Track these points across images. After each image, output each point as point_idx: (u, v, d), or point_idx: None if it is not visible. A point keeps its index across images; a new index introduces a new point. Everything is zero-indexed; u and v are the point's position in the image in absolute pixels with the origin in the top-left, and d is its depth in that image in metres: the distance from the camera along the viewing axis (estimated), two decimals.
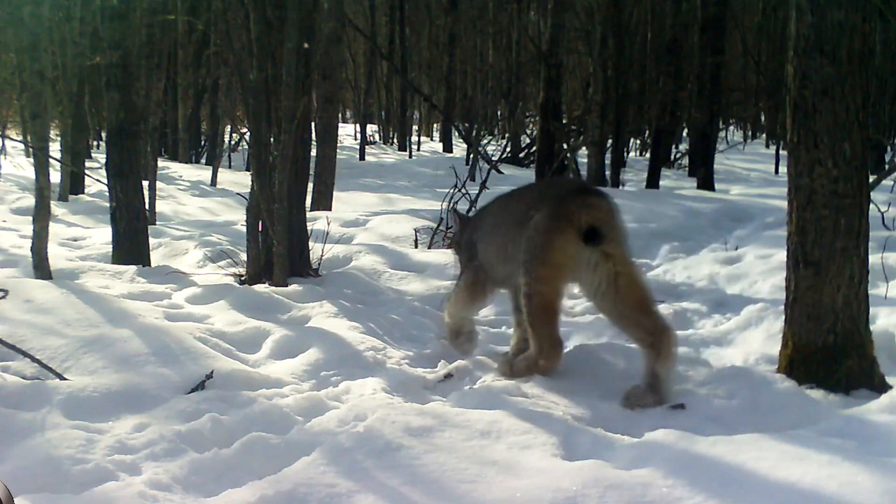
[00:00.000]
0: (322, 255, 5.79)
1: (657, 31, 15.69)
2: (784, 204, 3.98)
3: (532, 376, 3.65)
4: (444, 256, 6.39)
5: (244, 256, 5.66)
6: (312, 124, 6.08)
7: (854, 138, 3.65)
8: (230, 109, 16.06)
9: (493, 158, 15.27)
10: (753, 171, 17.01)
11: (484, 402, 3.29)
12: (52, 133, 10.56)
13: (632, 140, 19.88)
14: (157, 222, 8.89)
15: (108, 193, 6.16)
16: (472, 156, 14.96)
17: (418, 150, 22.60)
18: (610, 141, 14.14)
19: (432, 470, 2.65)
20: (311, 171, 5.76)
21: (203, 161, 18.56)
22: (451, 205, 4.73)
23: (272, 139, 5.46)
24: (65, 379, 3.38)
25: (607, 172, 13.87)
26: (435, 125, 27.90)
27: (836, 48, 3.61)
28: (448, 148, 22.03)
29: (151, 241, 6.50)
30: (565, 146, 9.76)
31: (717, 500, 2.43)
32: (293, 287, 5.13)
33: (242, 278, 5.48)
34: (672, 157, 18.25)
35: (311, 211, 7.56)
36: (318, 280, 5.51)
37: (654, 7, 15.70)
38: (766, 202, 10.93)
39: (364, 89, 24.40)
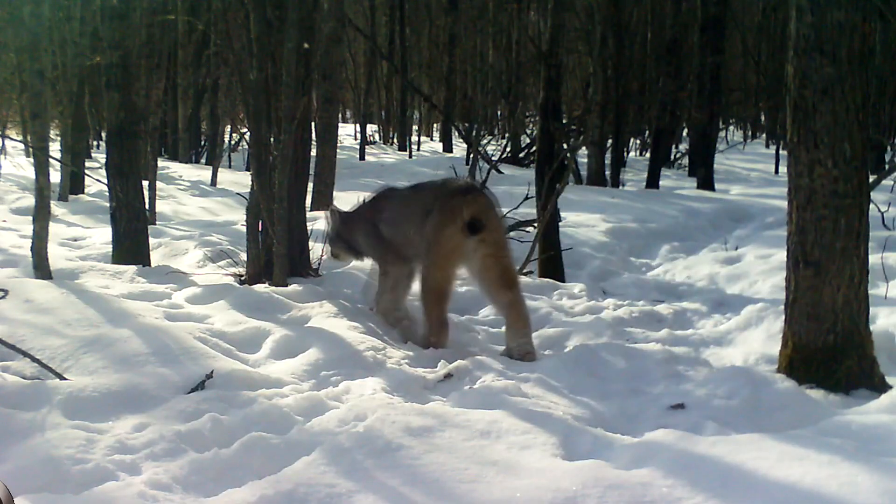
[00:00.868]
0: (322, 255, 5.79)
1: (657, 31, 15.70)
2: (784, 204, 3.98)
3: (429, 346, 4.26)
4: None
5: (244, 256, 5.66)
6: (312, 124, 6.08)
7: (854, 138, 3.65)
8: (230, 109, 16.05)
9: (493, 158, 15.26)
10: (753, 171, 17.01)
11: (484, 402, 3.29)
12: (52, 133, 10.56)
13: (632, 140, 19.87)
14: (157, 222, 8.89)
15: (108, 193, 6.16)
16: (472, 156, 14.95)
17: (418, 149, 22.59)
18: (610, 141, 14.16)
19: (432, 470, 2.65)
20: (311, 171, 5.75)
21: (203, 161, 18.55)
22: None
23: (272, 139, 5.45)
24: (65, 379, 3.38)
25: (607, 172, 13.88)
26: (435, 125, 27.89)
27: (836, 48, 3.61)
28: (448, 148, 22.02)
29: (151, 241, 6.50)
30: (565, 146, 9.69)
31: (717, 500, 2.43)
32: (293, 287, 5.13)
33: (242, 278, 5.48)
34: (672, 157, 18.25)
35: (311, 211, 7.56)
36: (318, 280, 5.51)
37: (654, 7, 15.71)
38: (766, 202, 10.94)
39: (364, 89, 24.39)
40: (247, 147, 12.53)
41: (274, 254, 5.27)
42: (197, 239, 7.16)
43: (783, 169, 6.79)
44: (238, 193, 8.93)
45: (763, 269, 6.44)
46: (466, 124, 19.87)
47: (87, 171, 11.03)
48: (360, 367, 3.85)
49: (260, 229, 5.42)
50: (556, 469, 2.64)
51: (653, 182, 13.51)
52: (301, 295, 4.98)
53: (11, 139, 15.83)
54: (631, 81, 15.01)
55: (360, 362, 3.92)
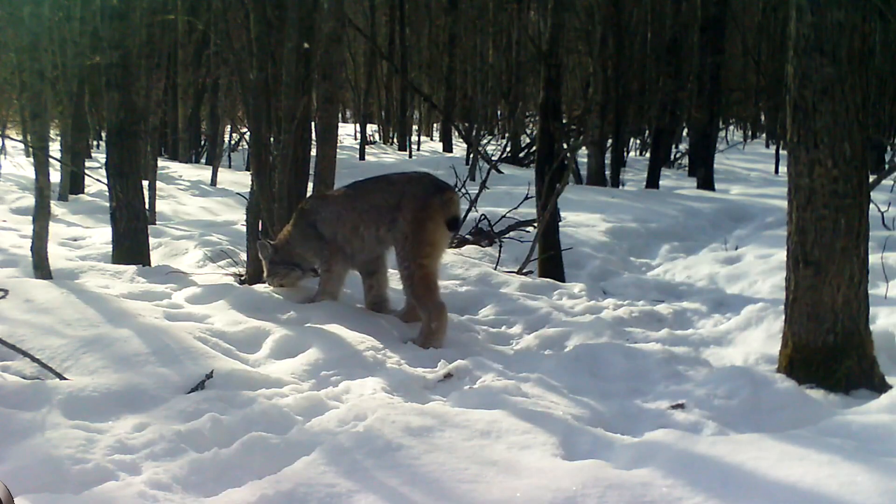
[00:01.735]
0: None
1: (657, 31, 15.69)
2: (784, 204, 3.98)
3: (438, 337, 4.41)
4: (445, 256, 6.39)
5: (244, 256, 5.67)
6: (312, 124, 6.07)
7: (854, 138, 3.65)
8: (230, 109, 16.05)
9: (493, 158, 15.26)
10: (753, 171, 17.00)
11: (484, 402, 3.29)
12: (52, 133, 10.56)
13: (632, 140, 19.87)
14: (157, 222, 8.89)
15: (108, 193, 6.16)
16: (472, 156, 14.96)
17: (418, 149, 22.58)
18: (610, 141, 14.15)
19: (432, 470, 2.65)
20: (311, 171, 5.75)
21: (203, 161, 18.54)
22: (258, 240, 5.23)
23: (272, 139, 5.45)
24: (65, 379, 3.38)
25: (607, 172, 13.88)
26: (435, 125, 27.88)
27: (836, 48, 3.61)
28: (448, 148, 22.01)
29: (151, 240, 6.50)
30: (565, 146, 9.70)
31: (717, 500, 2.43)
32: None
33: (242, 278, 5.48)
34: (672, 157, 18.24)
35: None
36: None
37: (654, 7, 15.70)
38: (766, 202, 10.94)
39: (364, 89, 24.37)
40: (247, 147, 12.53)
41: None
42: (197, 239, 7.17)
43: (783, 169, 6.79)
44: (238, 193, 8.95)
45: (763, 269, 6.44)
46: (466, 124, 19.86)
47: (87, 171, 11.02)
48: (360, 367, 3.85)
49: (260, 229, 5.42)
50: (556, 469, 2.64)
51: (653, 182, 13.51)
52: (310, 296, 4.98)
53: (11, 139, 15.82)
54: (631, 81, 15.01)
55: (360, 362, 3.92)
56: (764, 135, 26.43)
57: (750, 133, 27.87)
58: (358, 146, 20.85)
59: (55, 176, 9.93)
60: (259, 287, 5.09)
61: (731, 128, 27.36)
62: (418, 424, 2.93)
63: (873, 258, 4.01)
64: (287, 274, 5.01)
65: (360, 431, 2.87)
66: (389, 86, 25.97)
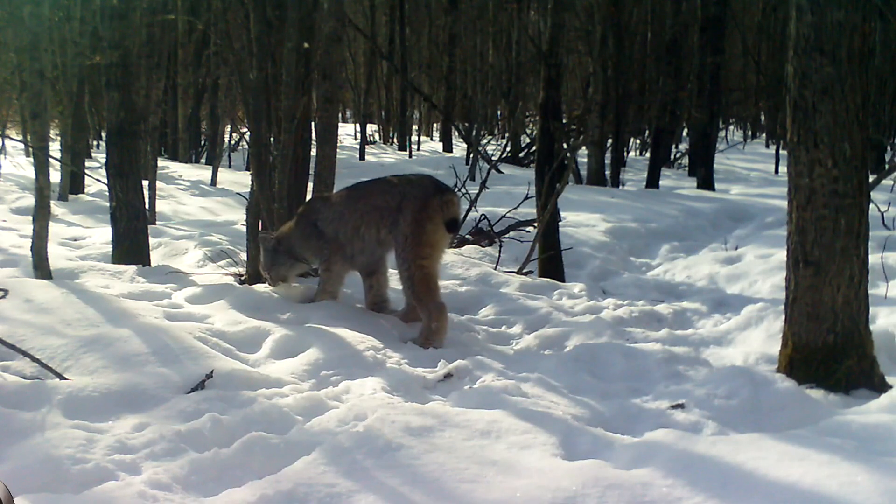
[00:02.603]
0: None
1: (657, 31, 15.70)
2: (784, 204, 3.98)
3: (438, 337, 4.43)
4: (445, 256, 6.39)
5: (244, 256, 5.67)
6: (312, 124, 6.08)
7: (854, 138, 3.65)
8: (230, 109, 16.04)
9: (493, 158, 15.26)
10: (753, 171, 17.01)
11: (484, 402, 3.29)
12: (52, 133, 10.55)
13: (632, 140, 19.87)
14: (157, 222, 8.89)
15: (108, 193, 6.16)
16: (472, 155, 14.96)
17: (418, 149, 22.58)
18: (610, 141, 14.16)
19: (432, 470, 2.65)
20: (311, 171, 5.75)
21: (203, 161, 18.54)
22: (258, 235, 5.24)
23: (272, 139, 5.45)
24: (65, 379, 3.38)
25: (607, 172, 13.88)
26: (435, 125, 27.88)
27: (836, 48, 3.61)
28: (448, 148, 22.01)
29: (151, 240, 6.50)
30: (565, 146, 9.70)
31: (717, 500, 2.43)
32: (293, 286, 5.13)
33: (242, 278, 5.48)
34: (672, 156, 18.24)
35: None
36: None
37: (654, 7, 15.70)
38: (766, 202, 10.94)
39: (364, 89, 24.38)
40: (247, 147, 12.53)
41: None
42: (197, 239, 7.16)
43: (783, 169, 6.80)
44: (238, 193, 8.94)
45: (763, 269, 6.44)
46: (466, 124, 19.86)
47: (87, 171, 11.02)
48: (360, 367, 3.85)
49: (260, 229, 5.42)
50: (556, 469, 2.64)
51: (653, 182, 13.51)
52: (309, 295, 4.98)
53: (11, 139, 15.82)
54: (631, 81, 15.00)
55: (360, 362, 3.92)
56: (764, 135, 26.43)
57: (750, 133, 27.87)
58: (358, 146, 20.85)
59: (55, 176, 9.92)
60: (259, 287, 5.09)
61: (731, 128, 27.35)
62: (418, 424, 2.93)
63: (873, 258, 4.01)
64: (290, 266, 5.02)
65: (360, 431, 2.87)
66: (389, 86, 25.98)
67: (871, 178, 4.36)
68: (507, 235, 7.62)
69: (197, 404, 3.21)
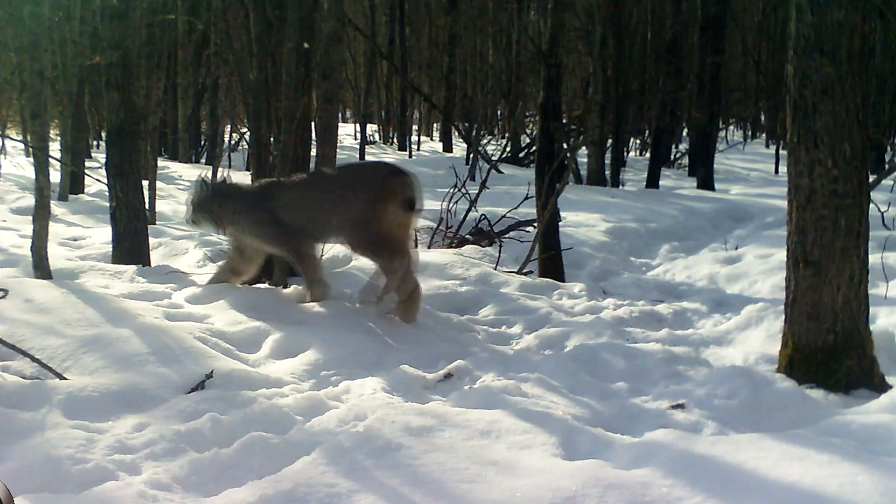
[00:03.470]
0: (321, 255, 5.79)
1: (657, 30, 15.70)
2: (784, 204, 3.98)
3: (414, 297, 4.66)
4: (445, 256, 6.39)
5: None
6: (312, 124, 6.07)
7: (854, 138, 3.65)
8: (230, 109, 16.04)
9: (493, 158, 15.26)
10: (753, 171, 17.00)
11: (484, 402, 3.29)
12: (52, 133, 10.55)
13: (632, 140, 19.86)
14: (157, 222, 8.88)
15: (108, 193, 6.15)
16: (472, 155, 14.95)
17: (418, 149, 22.56)
18: (610, 141, 14.15)
19: (432, 470, 2.65)
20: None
21: (203, 161, 18.53)
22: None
23: (272, 139, 5.45)
24: (65, 379, 3.38)
25: (607, 172, 13.88)
26: (435, 125, 27.87)
27: (836, 48, 3.61)
28: (448, 148, 22.00)
29: (151, 240, 6.49)
30: (565, 146, 9.71)
31: (717, 500, 2.43)
32: (293, 287, 5.13)
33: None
34: (672, 157, 18.24)
35: None
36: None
37: (654, 7, 15.70)
38: (766, 202, 10.94)
39: (364, 89, 24.36)
40: (247, 147, 12.52)
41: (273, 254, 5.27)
42: (197, 239, 7.16)
43: (783, 169, 6.79)
44: None
45: (763, 269, 6.44)
46: (466, 124, 19.86)
47: (87, 171, 11.01)
48: (360, 367, 3.85)
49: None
50: (556, 469, 2.64)
51: (653, 182, 13.51)
52: (301, 294, 4.98)
53: (11, 139, 15.81)
54: (631, 81, 15.01)
55: (360, 362, 3.92)
56: (764, 135, 26.41)
57: (750, 133, 27.85)
58: (358, 146, 20.84)
59: (55, 176, 9.91)
60: (259, 287, 5.09)
61: (731, 128, 27.34)
62: (418, 424, 2.93)
63: (873, 258, 4.01)
64: (209, 221, 5.02)
65: (360, 431, 2.87)
66: (389, 86, 25.96)
67: (871, 178, 4.36)
68: (507, 235, 7.62)
69: (197, 404, 3.21)
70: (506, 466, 2.67)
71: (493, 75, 20.35)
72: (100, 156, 13.93)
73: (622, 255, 7.88)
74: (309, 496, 2.49)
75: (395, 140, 24.79)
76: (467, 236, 7.50)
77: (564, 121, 12.61)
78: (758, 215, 10.15)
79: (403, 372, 3.84)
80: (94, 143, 17.69)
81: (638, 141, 21.14)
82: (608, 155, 14.11)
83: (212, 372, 3.50)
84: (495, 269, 6.31)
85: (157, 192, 9.79)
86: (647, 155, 16.25)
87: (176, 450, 2.85)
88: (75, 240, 7.91)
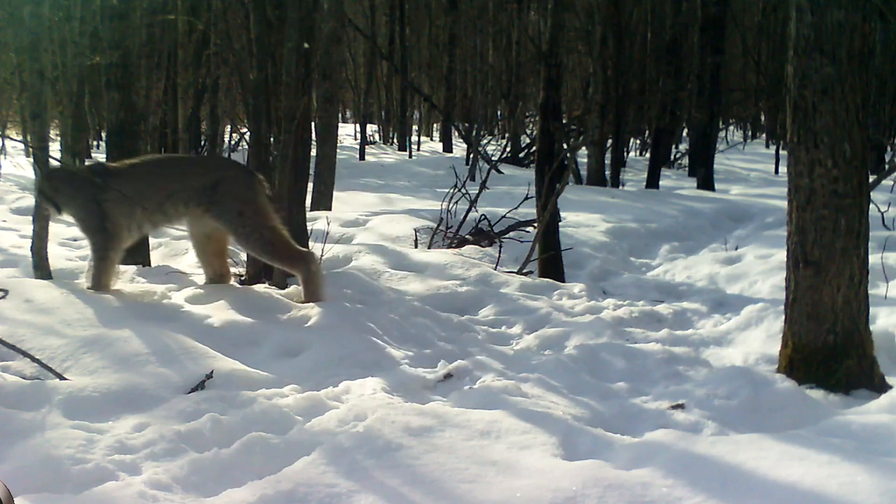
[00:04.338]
0: (322, 255, 5.79)
1: (657, 31, 15.70)
2: (784, 204, 3.98)
3: (321, 280, 4.88)
4: (445, 256, 6.39)
5: (244, 256, 5.66)
6: (312, 124, 6.08)
7: (854, 138, 3.65)
8: (230, 109, 16.04)
9: (493, 158, 15.26)
10: (753, 171, 17.00)
11: (484, 402, 3.29)
12: (52, 133, 10.56)
13: (632, 140, 19.86)
14: None
15: None
16: (472, 156, 14.95)
17: (418, 149, 22.56)
18: (610, 141, 14.15)
19: (432, 470, 2.65)
20: (311, 171, 5.76)
21: None
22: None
23: (272, 139, 5.45)
24: (65, 379, 3.38)
25: (607, 172, 13.88)
26: (435, 125, 27.87)
27: (836, 48, 3.61)
28: (448, 148, 22.00)
29: (151, 240, 6.49)
30: (565, 146, 9.74)
31: (717, 500, 2.43)
32: (293, 287, 5.13)
33: (242, 278, 5.48)
34: (672, 157, 18.24)
35: (311, 211, 7.55)
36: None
37: (654, 7, 15.71)
38: (766, 202, 10.94)
39: (364, 89, 24.37)
40: (247, 147, 12.52)
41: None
42: None
43: (783, 169, 6.80)
44: None
45: (763, 269, 6.44)
46: (466, 124, 19.86)
47: None
48: (360, 367, 3.85)
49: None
50: (556, 469, 2.64)
51: (653, 182, 13.51)
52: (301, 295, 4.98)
53: (11, 139, 15.82)
54: (631, 81, 15.00)
55: (360, 362, 3.92)
56: (764, 135, 26.42)
57: (750, 133, 27.86)
58: (358, 146, 20.84)
59: None
60: (259, 287, 5.09)
61: (731, 128, 27.34)
62: (418, 424, 2.93)
63: (873, 258, 4.01)
64: (47, 205, 4.85)
65: (360, 431, 2.87)
66: (389, 86, 25.96)
67: (871, 178, 4.36)
68: (507, 236, 7.62)
69: (197, 404, 3.21)
70: (506, 466, 2.67)
71: (493, 75, 20.37)
72: (100, 156, 13.92)
73: (622, 255, 7.88)
74: (309, 496, 2.49)
75: (395, 140, 24.79)
76: (467, 236, 7.50)
77: (564, 121, 12.61)
78: (758, 215, 10.15)
79: (403, 372, 3.84)
80: (94, 143, 17.70)
81: (638, 141, 21.14)
82: (608, 155, 14.11)
83: (212, 372, 3.50)
84: (495, 269, 6.31)
85: None
86: (647, 155, 16.25)
87: (176, 450, 2.85)
88: (75, 240, 7.91)
